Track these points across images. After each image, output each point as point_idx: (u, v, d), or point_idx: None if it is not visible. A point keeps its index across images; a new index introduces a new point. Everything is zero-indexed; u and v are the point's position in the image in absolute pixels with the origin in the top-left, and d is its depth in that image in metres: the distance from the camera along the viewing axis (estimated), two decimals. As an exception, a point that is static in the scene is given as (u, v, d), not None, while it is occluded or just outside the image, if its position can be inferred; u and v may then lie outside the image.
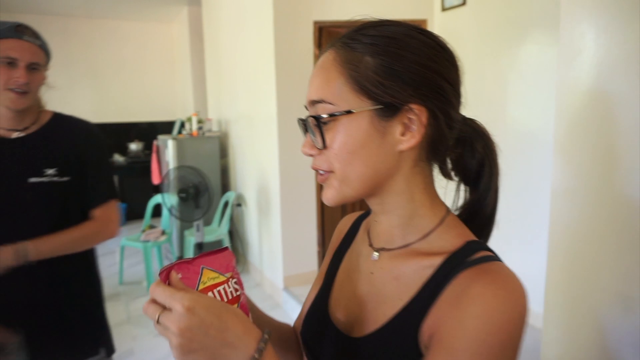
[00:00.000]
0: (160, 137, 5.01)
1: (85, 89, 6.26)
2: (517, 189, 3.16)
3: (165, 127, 5.75)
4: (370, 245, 0.68)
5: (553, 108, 1.74)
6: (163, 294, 0.51)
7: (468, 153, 0.65)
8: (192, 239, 4.04)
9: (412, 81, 0.56)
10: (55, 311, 1.42)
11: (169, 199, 3.74)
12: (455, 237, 0.60)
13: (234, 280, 0.59)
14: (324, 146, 0.59)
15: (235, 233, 4.70)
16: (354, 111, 0.56)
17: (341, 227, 0.82)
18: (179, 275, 0.55)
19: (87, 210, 1.48)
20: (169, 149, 4.58)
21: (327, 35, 3.63)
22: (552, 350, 1.80)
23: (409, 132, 0.57)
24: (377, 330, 0.60)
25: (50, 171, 1.37)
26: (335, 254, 0.78)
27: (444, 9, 3.63)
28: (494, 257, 0.56)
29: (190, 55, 5.79)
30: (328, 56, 0.59)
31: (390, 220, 0.64)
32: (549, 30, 2.85)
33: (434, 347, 0.52)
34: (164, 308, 0.51)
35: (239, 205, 4.51)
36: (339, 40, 0.60)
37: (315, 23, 3.52)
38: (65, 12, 5.93)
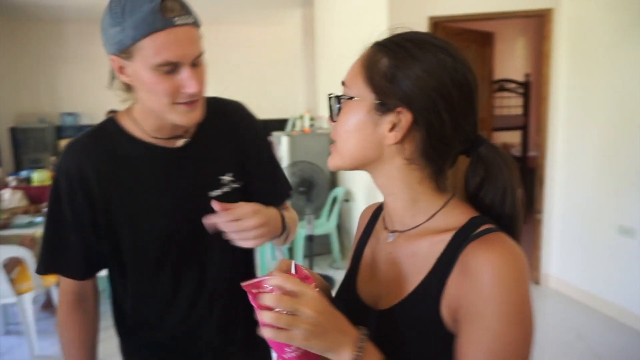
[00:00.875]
0: (275, 134, 5.29)
1: (207, 88, 6.80)
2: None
3: (276, 124, 6.03)
4: (386, 228, 0.77)
5: None
6: (294, 282, 0.59)
7: (470, 172, 0.71)
8: (302, 231, 4.21)
9: (408, 89, 0.63)
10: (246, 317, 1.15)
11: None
12: (459, 214, 0.68)
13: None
14: (333, 119, 0.72)
15: (342, 227, 4.81)
16: (355, 99, 0.67)
17: (363, 216, 0.91)
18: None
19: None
20: (282, 144, 4.82)
21: (442, 30, 3.55)
22: None
23: (394, 130, 0.65)
24: (400, 302, 0.68)
25: (227, 178, 1.11)
26: (360, 239, 0.87)
27: (573, -4, 3.38)
28: (495, 229, 0.63)
29: (303, 55, 6.02)
30: (366, 51, 0.69)
31: (395, 202, 0.72)
32: None
33: (464, 320, 0.59)
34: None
35: (347, 200, 4.61)
36: (380, 41, 0.69)
37: (431, 19, 3.47)
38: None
